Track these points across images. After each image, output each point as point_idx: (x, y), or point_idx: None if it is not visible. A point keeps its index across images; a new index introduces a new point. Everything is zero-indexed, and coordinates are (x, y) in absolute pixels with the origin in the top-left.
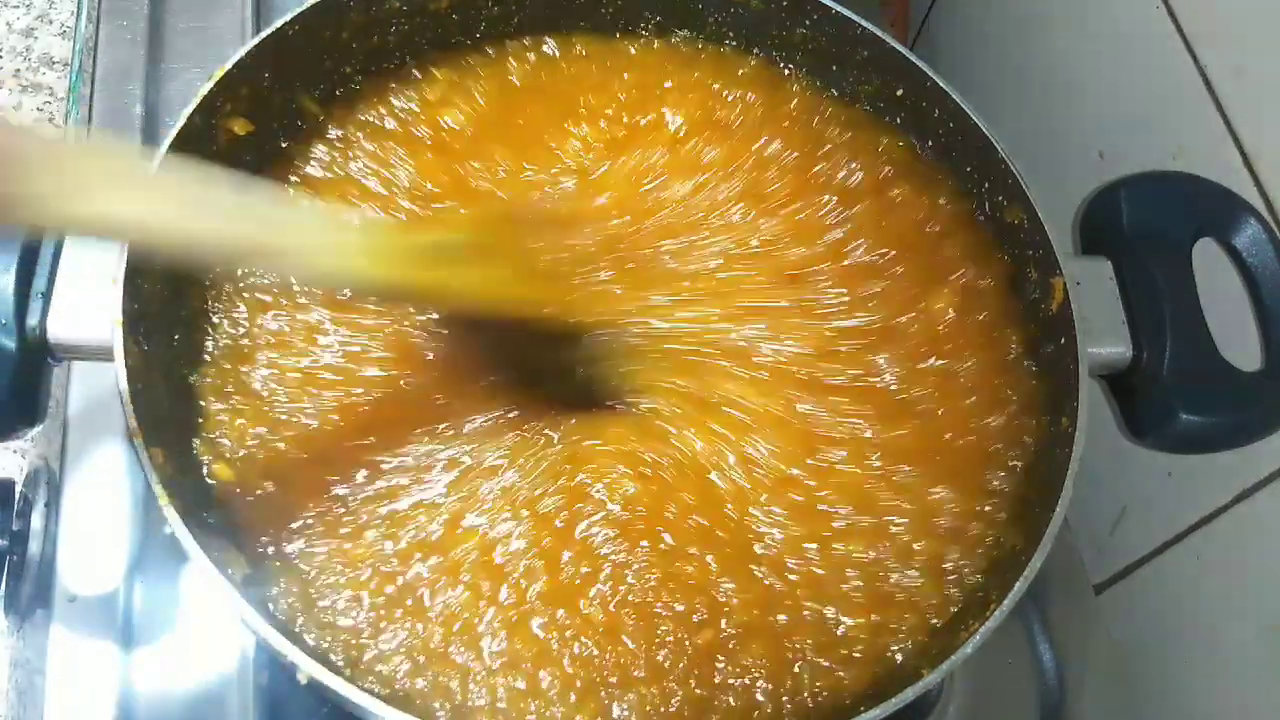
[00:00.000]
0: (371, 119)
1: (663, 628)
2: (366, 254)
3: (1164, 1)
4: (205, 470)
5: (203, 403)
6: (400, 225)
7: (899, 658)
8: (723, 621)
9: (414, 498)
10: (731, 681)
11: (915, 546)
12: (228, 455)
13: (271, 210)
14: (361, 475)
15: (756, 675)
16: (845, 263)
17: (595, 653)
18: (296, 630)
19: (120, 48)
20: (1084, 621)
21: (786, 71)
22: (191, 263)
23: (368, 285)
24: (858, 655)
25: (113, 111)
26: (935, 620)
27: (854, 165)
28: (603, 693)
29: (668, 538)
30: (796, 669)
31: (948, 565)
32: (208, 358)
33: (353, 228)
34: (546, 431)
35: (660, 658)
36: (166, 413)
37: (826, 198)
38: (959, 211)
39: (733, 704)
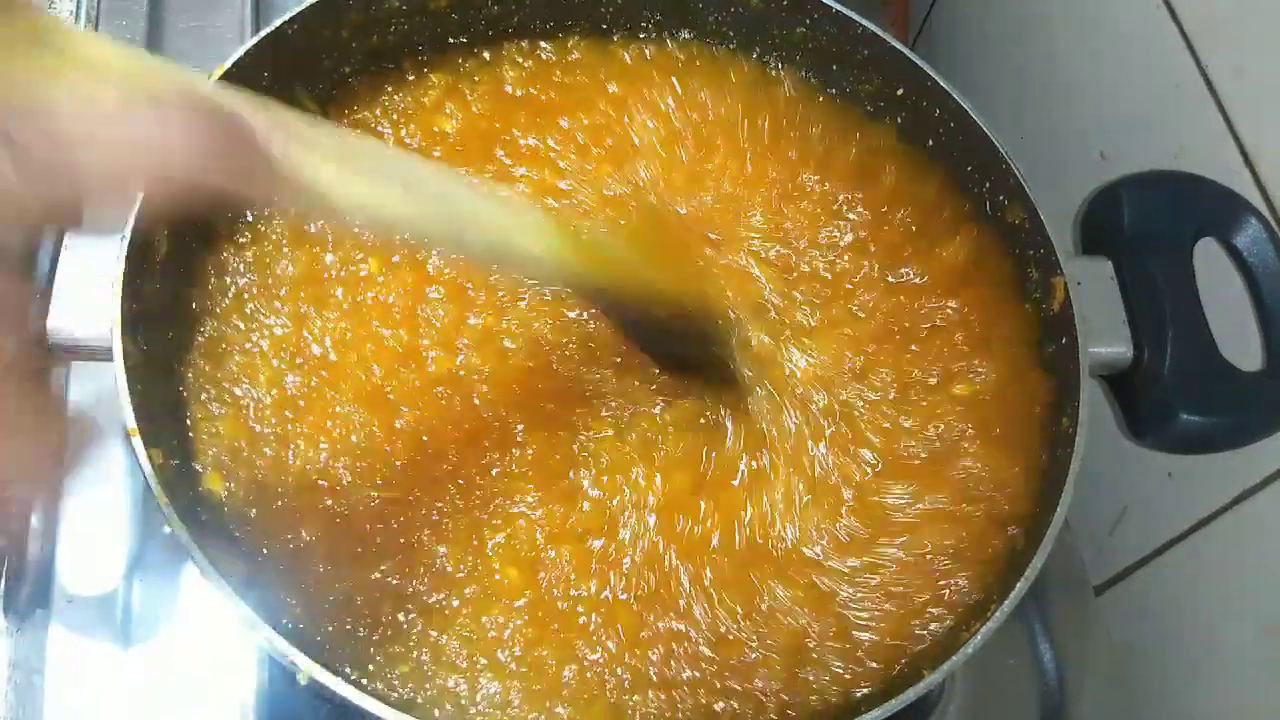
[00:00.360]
0: (367, 119)
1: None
2: (554, 239)
3: (1165, 1)
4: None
5: (192, 406)
6: (572, 217)
7: (901, 660)
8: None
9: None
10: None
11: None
12: (219, 464)
13: (473, 194)
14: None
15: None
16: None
17: (608, 656)
18: (296, 631)
19: None
20: (1084, 622)
21: (776, 74)
22: (402, 240)
23: (553, 271)
24: (866, 658)
25: None
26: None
27: (850, 167)
28: (610, 695)
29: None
30: (802, 674)
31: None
32: (200, 358)
33: (539, 214)
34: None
35: (669, 662)
36: (165, 413)
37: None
38: (958, 211)
39: (737, 709)
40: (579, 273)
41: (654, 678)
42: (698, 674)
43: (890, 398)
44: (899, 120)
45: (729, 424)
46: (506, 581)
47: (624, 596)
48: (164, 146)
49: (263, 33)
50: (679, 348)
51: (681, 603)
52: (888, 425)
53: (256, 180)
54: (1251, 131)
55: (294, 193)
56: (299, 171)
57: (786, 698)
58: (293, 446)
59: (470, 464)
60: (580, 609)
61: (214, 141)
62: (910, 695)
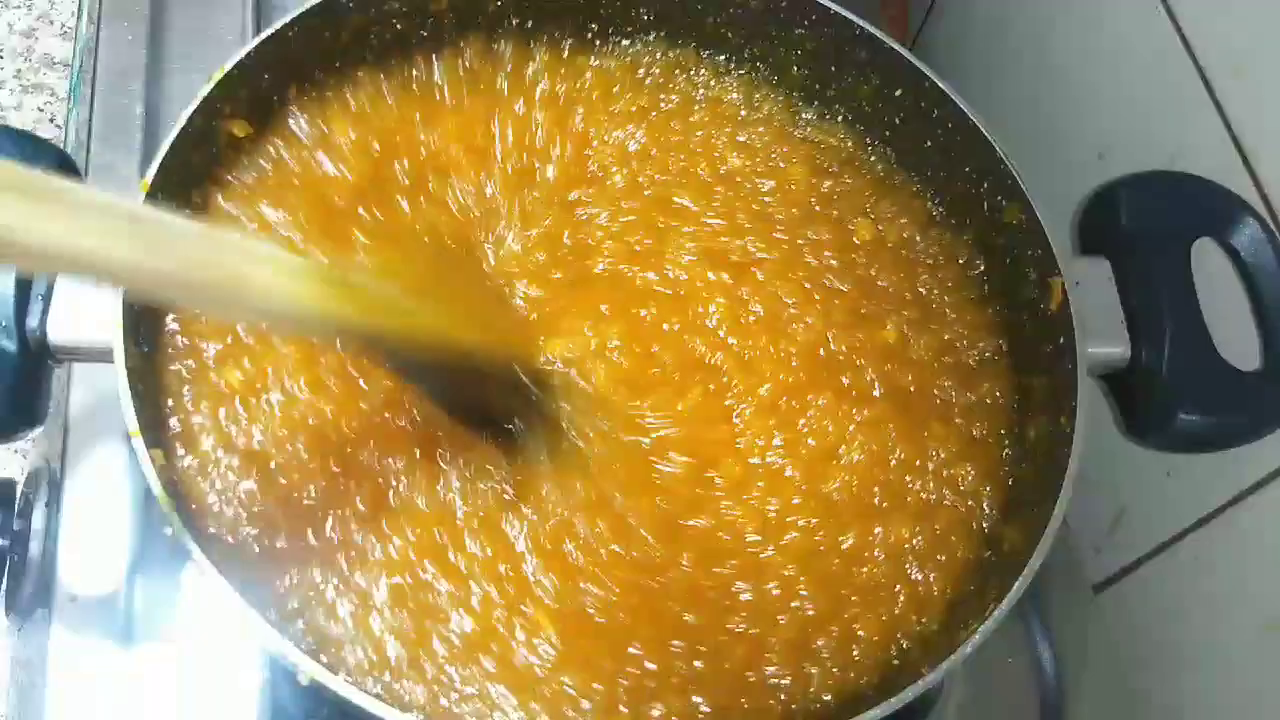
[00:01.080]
0: (367, 118)
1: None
2: (309, 286)
3: (1163, 2)
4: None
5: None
6: (339, 264)
7: (897, 660)
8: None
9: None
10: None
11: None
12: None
13: (210, 243)
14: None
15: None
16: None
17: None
18: (298, 632)
19: (121, 48)
20: (1083, 621)
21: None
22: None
23: (309, 322)
24: (864, 657)
25: (113, 111)
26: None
27: (848, 168)
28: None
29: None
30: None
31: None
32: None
33: (292, 261)
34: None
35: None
36: (166, 415)
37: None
38: (956, 210)
39: (746, 707)
40: (342, 320)
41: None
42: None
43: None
44: (896, 120)
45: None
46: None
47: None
48: None
49: (262, 35)
50: (477, 397)
51: None
52: None
53: None
54: (1249, 132)
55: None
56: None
57: None
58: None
59: None
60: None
61: None
62: (909, 694)
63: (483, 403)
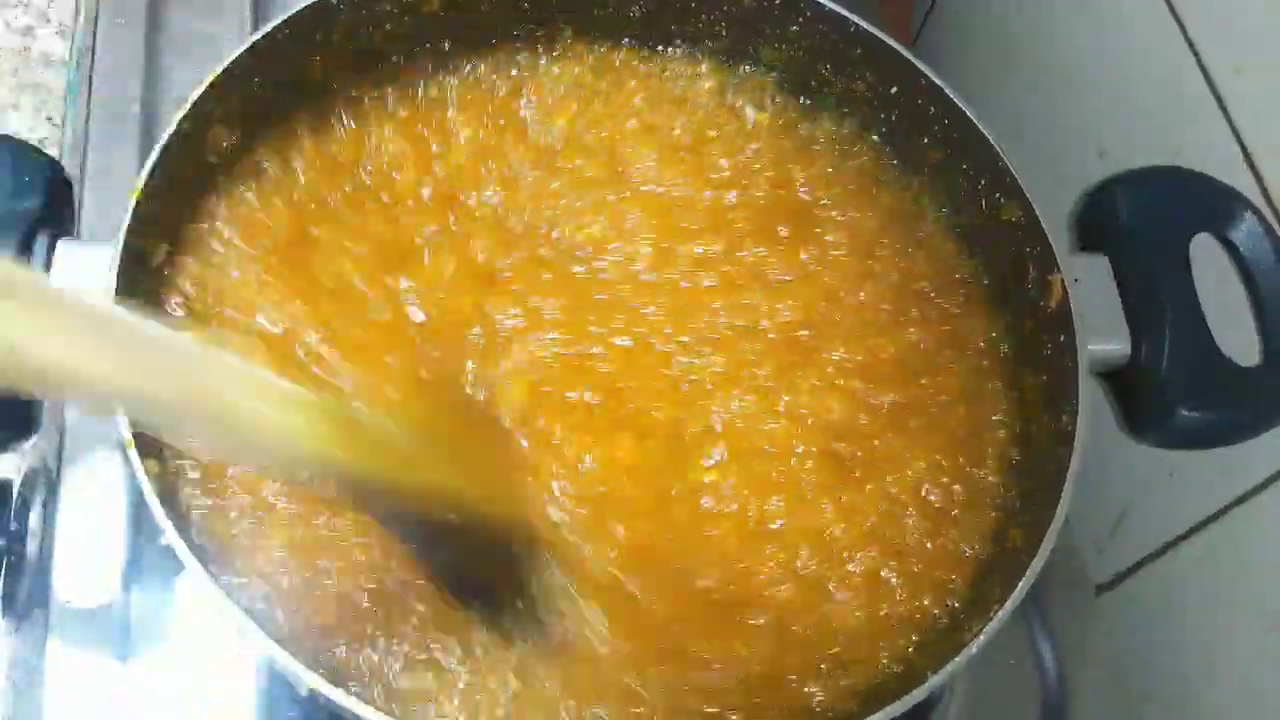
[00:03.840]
0: (366, 121)
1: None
2: (304, 419)
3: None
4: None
5: None
6: (333, 401)
7: (896, 665)
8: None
9: None
10: None
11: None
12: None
13: (195, 359)
14: None
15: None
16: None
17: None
18: (295, 640)
19: (119, 47)
20: (1085, 622)
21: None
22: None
23: (300, 460)
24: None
25: (111, 111)
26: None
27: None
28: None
29: None
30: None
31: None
32: None
33: (289, 391)
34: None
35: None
36: None
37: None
38: (954, 209)
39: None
40: (336, 460)
41: None
42: None
43: None
44: (894, 118)
45: None
46: None
47: None
48: None
49: (253, 37)
50: (468, 562)
51: None
52: None
53: None
54: (1251, 129)
55: None
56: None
57: None
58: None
59: None
60: None
61: None
62: (913, 697)
63: (473, 568)
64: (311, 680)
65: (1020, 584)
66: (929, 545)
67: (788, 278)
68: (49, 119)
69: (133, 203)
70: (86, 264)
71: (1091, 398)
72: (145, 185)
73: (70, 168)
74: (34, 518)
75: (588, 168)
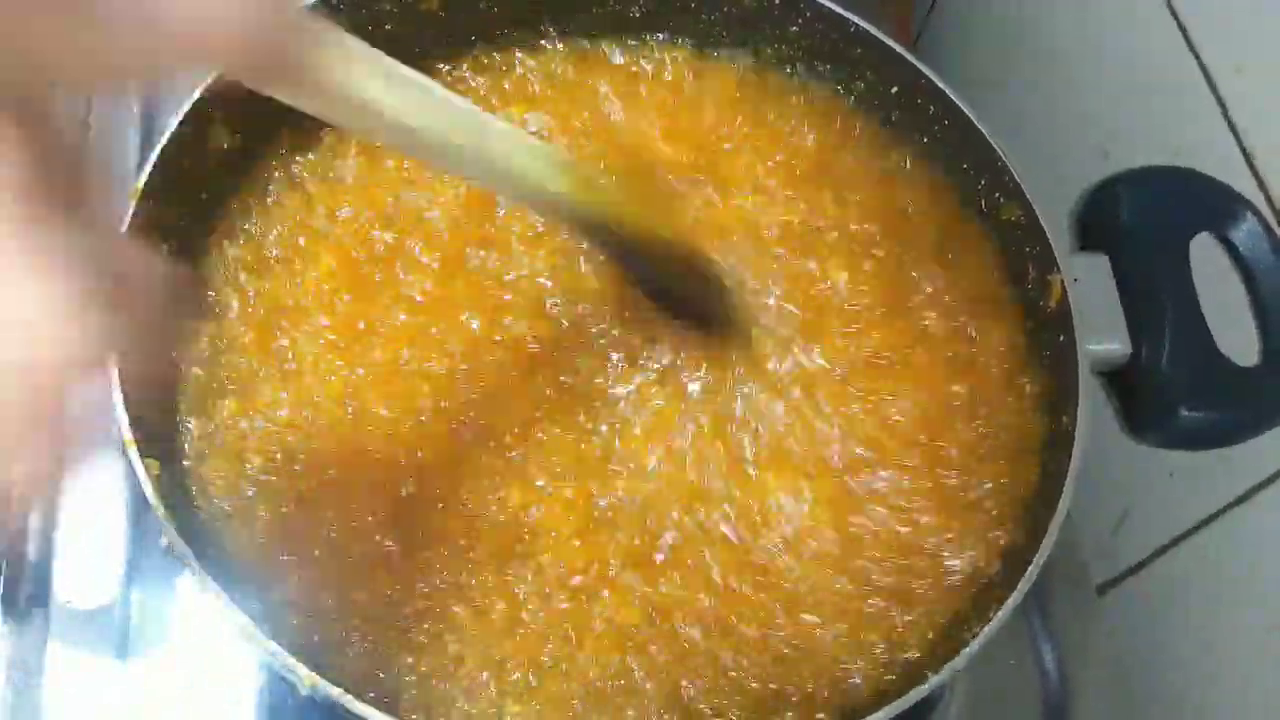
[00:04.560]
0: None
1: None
2: (559, 169)
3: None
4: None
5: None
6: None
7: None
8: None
9: None
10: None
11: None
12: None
13: (488, 118)
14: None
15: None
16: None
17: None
18: (295, 641)
19: None
20: (1087, 622)
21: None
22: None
23: (555, 202)
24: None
25: (111, 110)
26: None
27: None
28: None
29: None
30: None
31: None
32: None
33: (549, 150)
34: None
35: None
36: (162, 423)
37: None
38: (953, 209)
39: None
40: (580, 206)
41: (682, 684)
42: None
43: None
44: (893, 117)
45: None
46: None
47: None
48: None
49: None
50: (679, 288)
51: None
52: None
53: (298, 76)
54: (1251, 129)
55: (330, 97)
56: (338, 74)
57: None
58: (290, 457)
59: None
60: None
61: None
62: (913, 696)
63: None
64: (311, 680)
65: (1021, 583)
66: (929, 544)
67: None
68: None
69: (133, 203)
70: None
71: (1092, 398)
72: (145, 185)
73: None
74: (34, 517)
75: None
